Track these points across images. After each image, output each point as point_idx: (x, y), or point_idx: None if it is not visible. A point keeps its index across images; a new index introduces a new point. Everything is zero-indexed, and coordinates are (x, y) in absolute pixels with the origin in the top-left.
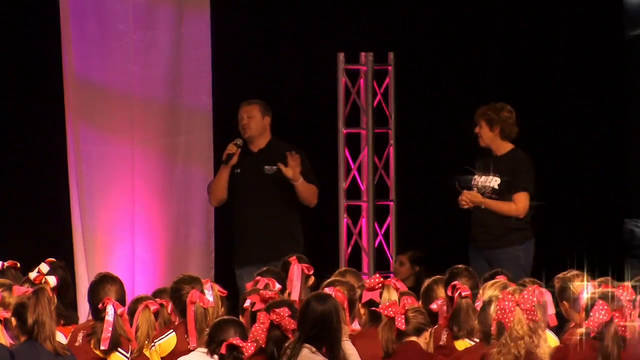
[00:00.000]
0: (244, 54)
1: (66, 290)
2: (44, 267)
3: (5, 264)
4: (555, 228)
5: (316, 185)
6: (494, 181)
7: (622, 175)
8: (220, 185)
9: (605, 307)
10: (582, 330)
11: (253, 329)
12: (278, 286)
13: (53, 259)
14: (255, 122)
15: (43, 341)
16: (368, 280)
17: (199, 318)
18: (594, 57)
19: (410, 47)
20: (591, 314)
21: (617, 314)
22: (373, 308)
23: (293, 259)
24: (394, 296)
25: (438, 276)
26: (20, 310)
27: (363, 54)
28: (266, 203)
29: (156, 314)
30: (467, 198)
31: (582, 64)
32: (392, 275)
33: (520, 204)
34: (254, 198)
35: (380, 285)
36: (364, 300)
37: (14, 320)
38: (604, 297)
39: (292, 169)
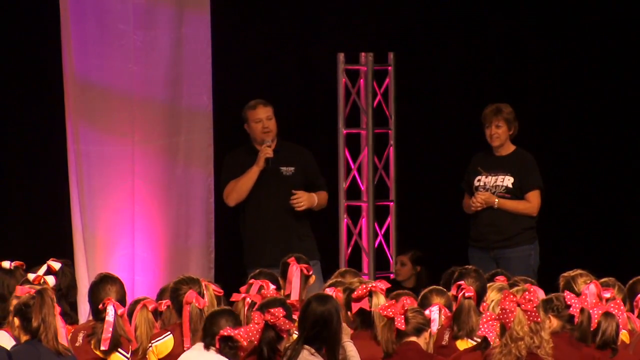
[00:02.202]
0: (244, 54)
1: (72, 289)
2: (55, 265)
3: (13, 263)
4: (557, 228)
5: (325, 189)
6: (507, 180)
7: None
8: (248, 187)
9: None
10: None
11: (247, 329)
12: (272, 287)
13: (55, 259)
14: (275, 124)
15: (47, 342)
16: (355, 291)
17: (194, 319)
18: (595, 56)
19: (410, 47)
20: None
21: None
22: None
23: (292, 259)
24: (382, 300)
25: (434, 286)
26: (24, 310)
27: (363, 54)
28: (283, 204)
29: (155, 313)
30: (482, 199)
31: (582, 63)
32: (392, 275)
33: (534, 201)
34: (271, 199)
35: (367, 293)
36: (354, 310)
37: (16, 321)
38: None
39: (305, 201)
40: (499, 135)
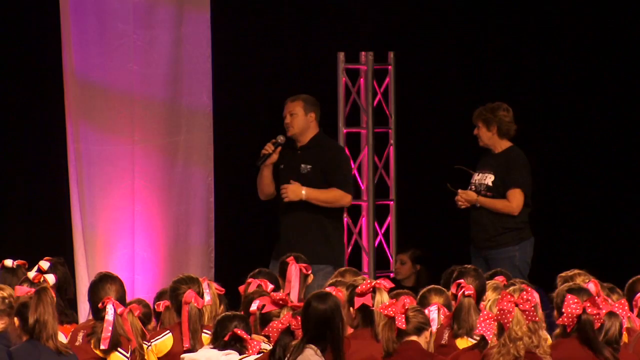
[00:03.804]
0: (244, 54)
1: (67, 286)
2: (44, 264)
3: (15, 262)
4: (556, 227)
5: (340, 187)
6: (488, 178)
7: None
8: (264, 183)
9: (575, 300)
10: (558, 330)
11: (271, 324)
12: (271, 286)
13: (49, 257)
14: (298, 120)
15: (45, 340)
16: (359, 286)
17: (193, 318)
18: (595, 54)
19: (410, 47)
20: (563, 310)
21: (588, 304)
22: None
23: (291, 258)
24: (386, 297)
25: (433, 285)
26: (22, 310)
27: (363, 53)
28: (301, 203)
29: (150, 314)
30: (463, 197)
31: (582, 62)
32: (392, 274)
33: (513, 200)
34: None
35: (371, 288)
36: (356, 306)
37: (16, 320)
38: (571, 290)
39: (289, 193)
40: (480, 136)
